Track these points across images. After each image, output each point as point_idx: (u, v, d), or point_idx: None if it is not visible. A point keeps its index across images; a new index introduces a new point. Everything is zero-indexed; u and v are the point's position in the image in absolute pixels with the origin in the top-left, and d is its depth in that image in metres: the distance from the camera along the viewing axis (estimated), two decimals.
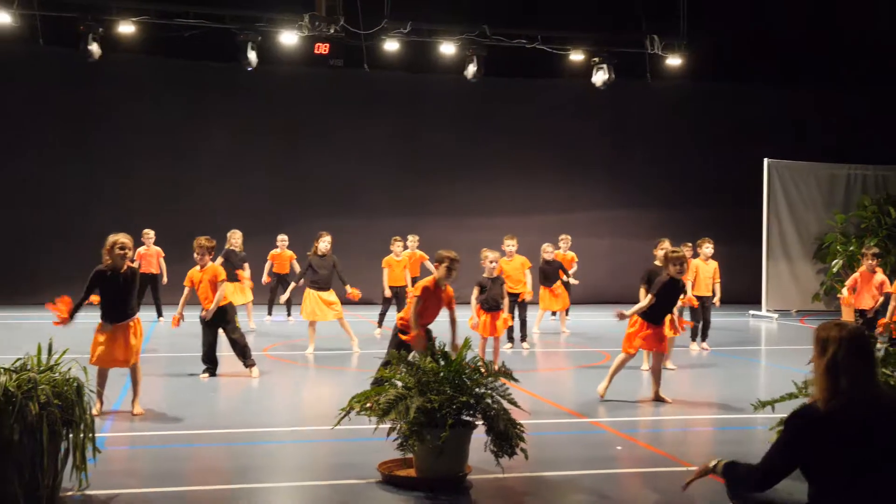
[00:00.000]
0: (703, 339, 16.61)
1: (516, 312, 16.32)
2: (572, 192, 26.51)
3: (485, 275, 13.66)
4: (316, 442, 9.09)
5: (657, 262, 14.14)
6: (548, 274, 17.91)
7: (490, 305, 13.64)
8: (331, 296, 15.45)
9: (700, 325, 16.71)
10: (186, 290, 12.89)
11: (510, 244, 16.35)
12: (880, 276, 14.67)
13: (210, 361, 12.86)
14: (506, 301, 14.35)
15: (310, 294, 15.40)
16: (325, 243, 15.42)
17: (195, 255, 12.76)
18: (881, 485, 5.26)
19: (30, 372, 6.77)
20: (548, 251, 18.19)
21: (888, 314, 12.74)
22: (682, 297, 12.43)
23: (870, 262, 14.75)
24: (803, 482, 5.53)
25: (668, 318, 13.35)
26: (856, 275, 15.07)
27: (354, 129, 25.13)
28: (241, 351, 12.88)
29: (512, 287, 15.84)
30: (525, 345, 16.42)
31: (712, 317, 16.82)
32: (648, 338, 11.29)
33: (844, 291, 15.14)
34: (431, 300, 10.42)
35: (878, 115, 26.68)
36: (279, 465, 8.37)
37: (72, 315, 10.03)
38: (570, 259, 19.28)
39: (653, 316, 11.32)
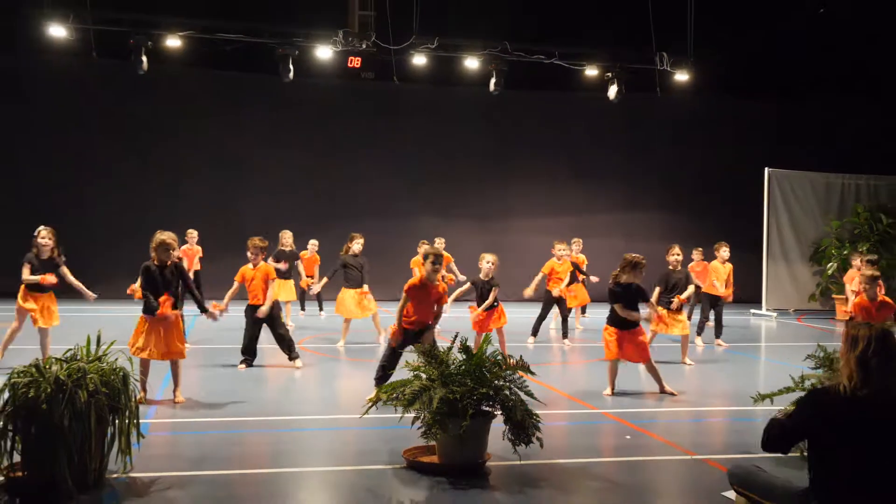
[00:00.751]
0: (718, 336, 16.65)
1: (555, 310, 16.53)
2: (588, 197, 26.49)
3: (480, 276, 13.53)
4: (345, 430, 9.04)
5: (670, 267, 14.18)
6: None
7: (480, 304, 13.54)
8: (363, 292, 15.44)
9: (706, 322, 16.78)
10: (235, 286, 12.85)
11: (562, 249, 16.62)
12: None
13: (249, 353, 12.79)
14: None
15: (345, 293, 15.37)
16: (358, 245, 15.42)
17: (249, 253, 12.76)
18: (874, 463, 5.34)
19: (79, 362, 6.77)
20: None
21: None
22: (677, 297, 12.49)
23: (864, 267, 14.65)
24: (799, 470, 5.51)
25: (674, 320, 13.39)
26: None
27: (384, 138, 25.16)
28: (288, 345, 12.84)
29: (560, 289, 16.20)
30: (567, 342, 16.29)
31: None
32: (627, 349, 11.12)
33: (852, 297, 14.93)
34: (419, 297, 10.33)
35: (871, 128, 26.62)
36: (311, 450, 8.33)
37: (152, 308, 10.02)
38: (580, 261, 19.24)
39: (618, 322, 11.18)
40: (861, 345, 5.49)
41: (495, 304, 13.50)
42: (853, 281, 14.72)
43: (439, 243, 18.99)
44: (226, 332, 15.12)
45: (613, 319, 11.21)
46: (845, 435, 5.39)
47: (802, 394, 7.67)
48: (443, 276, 18.11)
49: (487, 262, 13.42)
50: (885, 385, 5.43)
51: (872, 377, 5.41)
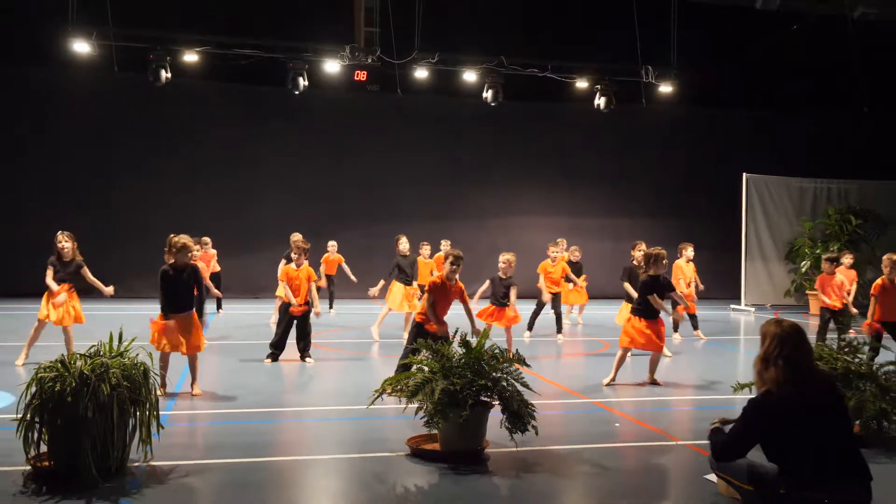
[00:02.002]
0: (696, 328, 16.64)
1: (546, 307, 16.45)
2: (579, 200, 26.53)
3: (499, 274, 13.56)
4: (353, 420, 8.99)
5: (634, 262, 14.19)
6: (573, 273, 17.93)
7: (495, 300, 13.54)
8: (413, 289, 15.59)
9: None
10: (282, 285, 12.87)
11: (555, 251, 16.57)
12: (839, 276, 14.57)
13: (277, 348, 12.74)
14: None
15: (398, 287, 15.47)
16: (404, 243, 15.53)
17: (293, 254, 12.74)
18: (827, 449, 5.50)
19: (102, 357, 6.73)
20: (575, 254, 18.23)
21: (868, 314, 12.53)
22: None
23: (827, 265, 14.59)
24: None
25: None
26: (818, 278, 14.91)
27: (389, 146, 25.17)
28: (306, 344, 12.78)
29: (552, 287, 16.04)
30: (560, 336, 16.22)
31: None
32: (648, 338, 11.16)
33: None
34: (440, 295, 10.28)
35: (841, 136, 26.96)
36: (321, 439, 8.30)
37: (166, 316, 9.97)
38: (564, 259, 19.21)
39: (646, 312, 11.21)
40: (766, 346, 5.73)
41: (507, 302, 13.46)
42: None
43: (445, 245, 19.07)
44: (240, 329, 15.10)
45: (644, 311, 11.23)
46: (785, 429, 5.54)
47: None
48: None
49: (502, 262, 13.45)
50: (799, 378, 5.60)
51: (781, 374, 5.59)
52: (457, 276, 10.40)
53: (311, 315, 12.74)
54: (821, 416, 5.55)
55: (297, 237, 18.09)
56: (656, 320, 11.27)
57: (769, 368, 5.66)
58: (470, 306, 10.61)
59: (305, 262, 12.78)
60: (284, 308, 12.75)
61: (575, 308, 19.39)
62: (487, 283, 13.73)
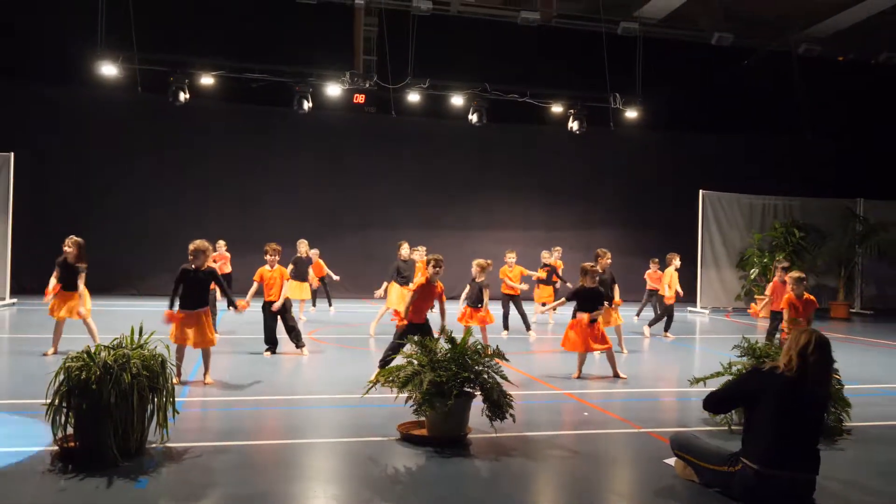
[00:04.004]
0: (667, 330, 16.73)
1: (511, 307, 16.29)
2: (554, 213, 26.54)
3: (473, 278, 13.56)
4: (349, 407, 8.95)
5: (598, 269, 14.06)
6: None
7: (471, 302, 13.53)
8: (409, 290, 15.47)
9: (659, 317, 16.79)
10: (256, 285, 12.64)
11: (511, 257, 16.38)
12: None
13: (271, 342, 12.67)
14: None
15: (396, 288, 15.24)
16: (405, 249, 15.41)
17: (267, 256, 12.58)
18: (797, 433, 5.60)
19: (124, 349, 6.70)
20: (558, 260, 18.28)
21: (760, 305, 12.63)
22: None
23: (780, 273, 14.44)
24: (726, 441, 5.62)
25: (608, 314, 13.21)
26: (770, 284, 14.73)
27: (383, 161, 25.15)
28: (296, 336, 12.74)
29: (512, 289, 15.91)
30: (532, 333, 16.10)
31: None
32: (588, 340, 11.14)
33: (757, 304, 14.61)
34: (425, 294, 10.26)
35: (787, 158, 27.20)
36: (320, 424, 8.24)
37: (172, 306, 9.94)
38: (557, 266, 19.11)
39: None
40: (803, 342, 5.72)
41: (480, 303, 13.47)
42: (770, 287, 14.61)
43: (421, 250, 19.05)
44: (248, 325, 15.03)
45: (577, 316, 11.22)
46: (776, 404, 5.61)
47: (730, 377, 7.75)
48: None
49: (474, 266, 13.48)
50: (818, 378, 5.68)
51: (807, 368, 5.63)
52: (438, 278, 10.37)
53: (295, 309, 12.67)
54: (803, 407, 5.63)
55: (302, 244, 18.14)
56: (592, 326, 11.21)
57: (786, 355, 5.77)
58: (444, 307, 10.49)
59: (278, 265, 12.72)
60: (266, 307, 12.65)
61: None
62: (468, 286, 13.70)
